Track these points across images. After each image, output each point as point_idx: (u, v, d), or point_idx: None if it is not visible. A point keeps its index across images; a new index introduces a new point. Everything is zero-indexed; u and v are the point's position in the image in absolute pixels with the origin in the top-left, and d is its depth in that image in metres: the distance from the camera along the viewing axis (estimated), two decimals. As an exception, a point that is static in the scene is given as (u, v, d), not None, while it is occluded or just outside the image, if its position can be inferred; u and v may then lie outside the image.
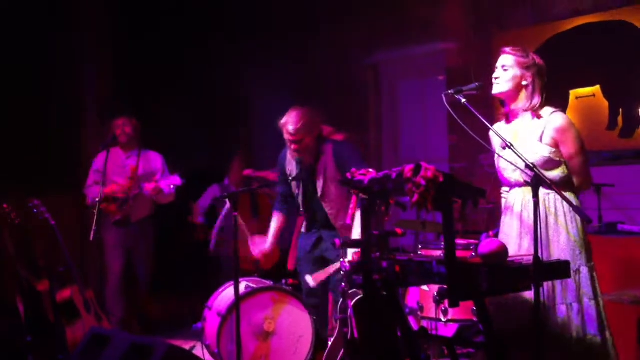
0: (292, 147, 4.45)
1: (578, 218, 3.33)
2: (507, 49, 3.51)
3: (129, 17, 7.13)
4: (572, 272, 3.25)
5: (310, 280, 4.46)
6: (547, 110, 3.46)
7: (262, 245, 4.72)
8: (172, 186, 5.71)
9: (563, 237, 3.36)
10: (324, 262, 4.51)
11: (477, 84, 3.45)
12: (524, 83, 3.44)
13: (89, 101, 7.15)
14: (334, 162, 4.45)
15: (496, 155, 3.59)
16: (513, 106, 3.51)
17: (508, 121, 3.55)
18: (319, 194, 4.53)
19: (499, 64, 3.50)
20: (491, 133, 3.55)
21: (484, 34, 6.39)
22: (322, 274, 4.42)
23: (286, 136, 4.45)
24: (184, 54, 7.25)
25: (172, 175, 5.81)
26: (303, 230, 4.75)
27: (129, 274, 5.91)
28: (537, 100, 3.45)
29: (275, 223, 4.75)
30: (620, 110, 5.73)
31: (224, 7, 7.44)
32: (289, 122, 4.40)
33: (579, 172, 3.42)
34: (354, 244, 3.44)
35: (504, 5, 6.40)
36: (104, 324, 5.37)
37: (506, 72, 3.45)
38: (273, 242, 4.71)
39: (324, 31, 7.13)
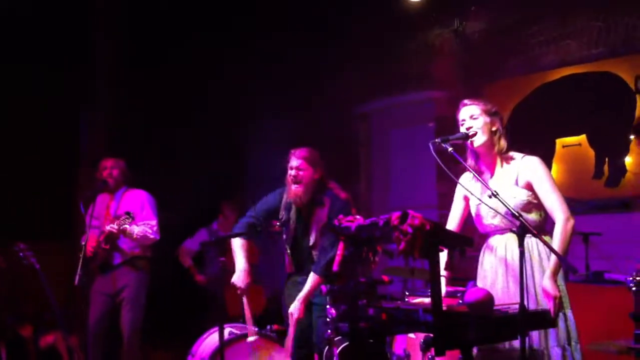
0: (293, 175, 4.47)
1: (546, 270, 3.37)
2: (467, 101, 3.60)
3: (132, 65, 7.18)
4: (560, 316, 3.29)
5: None
6: (517, 155, 3.54)
7: (239, 274, 4.56)
8: (146, 228, 5.40)
9: (538, 287, 3.37)
10: (310, 306, 4.48)
11: (463, 133, 3.52)
12: (493, 129, 3.53)
13: (83, 149, 7.13)
14: (328, 215, 4.46)
15: (472, 203, 3.63)
16: (488, 155, 3.56)
17: (482, 174, 3.57)
18: (311, 243, 4.54)
19: (464, 115, 3.56)
20: (462, 180, 3.61)
21: (474, 83, 6.47)
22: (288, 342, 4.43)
23: (290, 162, 4.52)
24: (181, 100, 7.30)
25: (154, 217, 5.52)
26: (289, 275, 4.72)
27: (114, 323, 5.47)
28: (504, 143, 3.55)
29: (239, 246, 4.62)
30: (606, 159, 5.78)
31: (223, 62, 7.53)
32: (296, 151, 4.53)
33: (560, 208, 3.39)
34: (341, 291, 3.43)
35: (493, 56, 6.50)
36: (88, 371, 5.29)
37: (476, 121, 3.51)
38: (247, 264, 4.57)
39: (316, 82, 7.22)
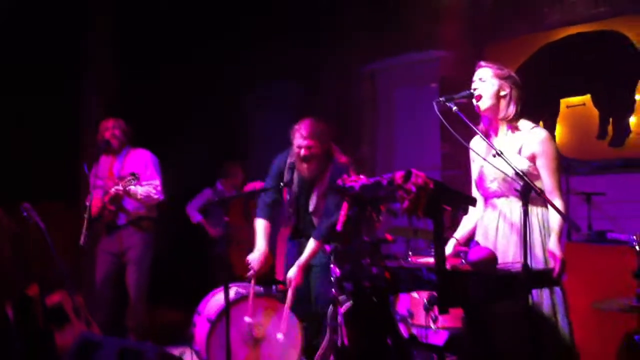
0: (302, 152, 4.40)
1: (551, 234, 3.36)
2: (483, 63, 3.56)
3: (131, 40, 7.12)
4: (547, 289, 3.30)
5: (281, 335, 4.51)
6: (526, 125, 3.50)
7: (256, 255, 4.60)
8: (149, 189, 5.41)
9: (538, 251, 3.37)
10: (309, 268, 4.51)
11: (468, 91, 3.49)
12: (502, 93, 3.49)
13: (87, 108, 7.12)
14: (329, 182, 4.44)
15: (473, 165, 3.62)
16: (495, 120, 3.53)
17: (489, 137, 3.55)
18: (311, 209, 4.54)
19: (476, 77, 3.53)
20: (472, 143, 3.59)
21: (478, 43, 6.42)
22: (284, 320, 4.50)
23: (297, 141, 4.41)
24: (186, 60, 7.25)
25: (157, 176, 5.51)
26: (290, 237, 4.75)
27: (120, 282, 5.53)
28: (512, 110, 3.48)
29: (262, 228, 4.65)
30: (611, 119, 5.76)
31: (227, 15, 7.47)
32: (303, 127, 4.41)
33: (558, 188, 3.40)
34: (345, 250, 3.44)
35: (498, 15, 6.43)
36: (94, 330, 5.33)
37: (484, 83, 3.48)
38: (266, 247, 4.63)
39: (321, 42, 7.16)
